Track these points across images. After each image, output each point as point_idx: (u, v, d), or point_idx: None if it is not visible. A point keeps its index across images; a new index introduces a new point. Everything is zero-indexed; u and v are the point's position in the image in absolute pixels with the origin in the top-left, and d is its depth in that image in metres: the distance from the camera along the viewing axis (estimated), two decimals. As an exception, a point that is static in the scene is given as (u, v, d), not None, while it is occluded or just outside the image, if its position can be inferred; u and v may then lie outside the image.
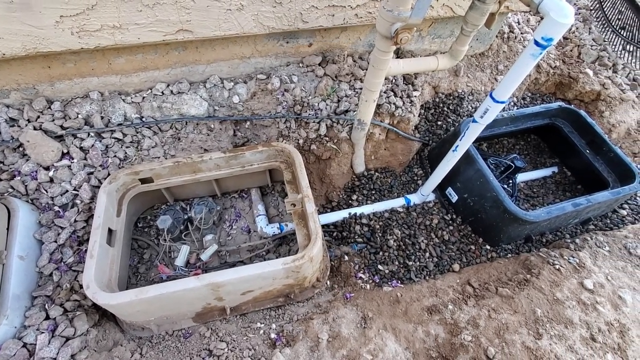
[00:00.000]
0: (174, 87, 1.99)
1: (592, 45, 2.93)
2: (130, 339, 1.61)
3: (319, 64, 2.16)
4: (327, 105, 2.09)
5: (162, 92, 1.98)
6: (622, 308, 1.70)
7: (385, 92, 2.19)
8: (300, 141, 2.11)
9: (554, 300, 1.70)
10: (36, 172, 1.74)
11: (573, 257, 1.90)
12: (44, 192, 1.73)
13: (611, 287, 1.78)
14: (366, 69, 1.94)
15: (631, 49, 2.86)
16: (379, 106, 2.14)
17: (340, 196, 2.33)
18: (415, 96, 2.25)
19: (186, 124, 2.00)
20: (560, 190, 2.45)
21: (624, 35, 2.88)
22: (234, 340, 1.56)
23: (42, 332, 1.45)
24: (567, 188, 2.46)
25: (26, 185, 1.72)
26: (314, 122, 2.10)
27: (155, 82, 1.98)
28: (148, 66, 1.91)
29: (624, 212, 2.31)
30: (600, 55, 2.88)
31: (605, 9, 3.00)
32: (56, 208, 1.72)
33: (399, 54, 2.34)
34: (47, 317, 1.51)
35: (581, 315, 1.65)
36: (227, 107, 2.05)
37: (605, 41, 2.96)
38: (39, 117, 1.81)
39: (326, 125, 2.11)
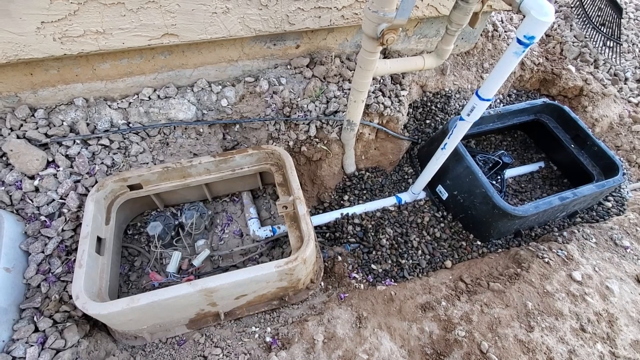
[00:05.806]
0: (160, 92, 1.97)
1: (573, 42, 3.00)
2: (122, 349, 1.59)
3: (307, 66, 2.16)
4: (316, 106, 2.09)
5: (149, 97, 1.96)
6: (609, 298, 1.74)
7: (373, 92, 2.20)
8: (291, 143, 2.10)
9: (544, 292, 1.73)
10: (21, 181, 1.70)
11: (561, 250, 1.94)
12: (30, 201, 1.69)
13: (599, 278, 1.82)
14: (354, 70, 1.96)
15: (611, 45, 2.93)
16: (367, 106, 2.15)
17: (332, 197, 2.34)
18: (403, 95, 2.27)
19: (174, 128, 1.99)
20: (547, 185, 2.50)
21: (604, 31, 2.95)
22: (229, 346, 1.55)
23: (32, 345, 1.41)
24: (554, 182, 2.51)
25: (11, 196, 1.68)
26: (303, 123, 2.10)
27: (141, 87, 1.96)
28: (134, 71, 1.88)
29: (609, 204, 2.36)
30: (582, 52, 2.95)
31: (585, 7, 3.07)
32: (42, 218, 1.68)
33: (386, 54, 2.36)
34: (36, 330, 1.47)
35: (571, 306, 1.69)
36: (216, 110, 2.03)
37: (586, 38, 3.03)
38: (22, 125, 1.77)
39: (316, 126, 2.11)
